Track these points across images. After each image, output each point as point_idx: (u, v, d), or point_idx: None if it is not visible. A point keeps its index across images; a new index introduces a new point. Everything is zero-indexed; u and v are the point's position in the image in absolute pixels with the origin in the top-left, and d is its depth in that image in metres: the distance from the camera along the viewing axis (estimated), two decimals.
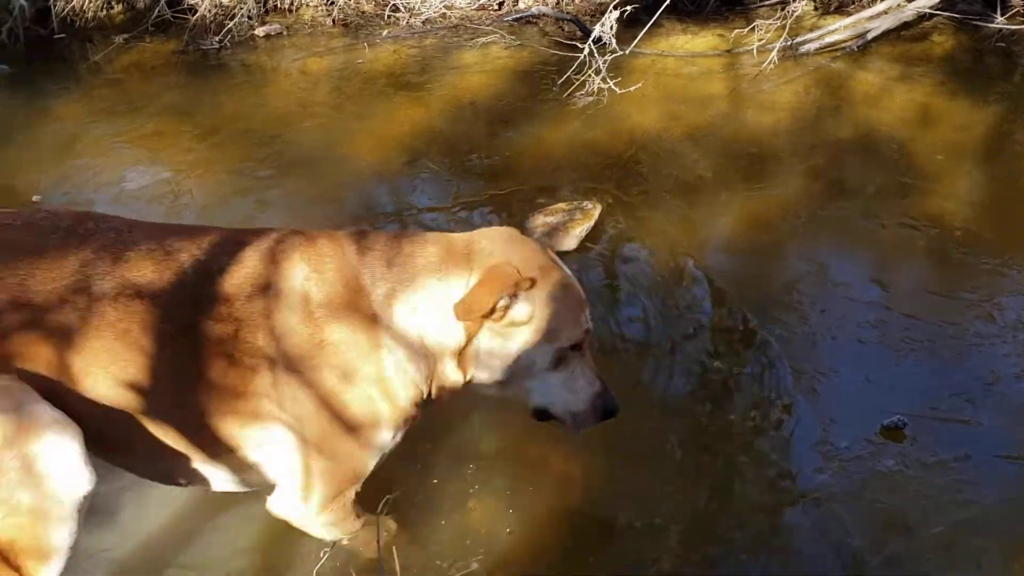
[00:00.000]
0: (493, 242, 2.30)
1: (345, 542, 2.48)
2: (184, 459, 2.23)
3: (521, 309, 2.23)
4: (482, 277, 2.20)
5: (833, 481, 2.80)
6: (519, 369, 2.31)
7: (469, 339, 2.25)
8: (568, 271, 2.36)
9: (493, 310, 2.19)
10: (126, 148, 4.46)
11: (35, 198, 4.08)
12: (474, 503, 2.71)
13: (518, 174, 4.21)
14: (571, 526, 2.68)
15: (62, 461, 1.94)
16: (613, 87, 4.90)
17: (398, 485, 2.62)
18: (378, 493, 2.44)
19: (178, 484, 2.36)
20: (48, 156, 4.42)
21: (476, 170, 4.31)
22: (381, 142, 4.56)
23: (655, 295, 3.52)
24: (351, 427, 2.23)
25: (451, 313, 2.20)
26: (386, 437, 2.28)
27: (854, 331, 3.32)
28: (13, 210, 2.26)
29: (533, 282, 2.23)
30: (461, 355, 2.28)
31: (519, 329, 2.26)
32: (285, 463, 2.28)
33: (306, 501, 2.32)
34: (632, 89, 4.97)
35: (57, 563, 2.00)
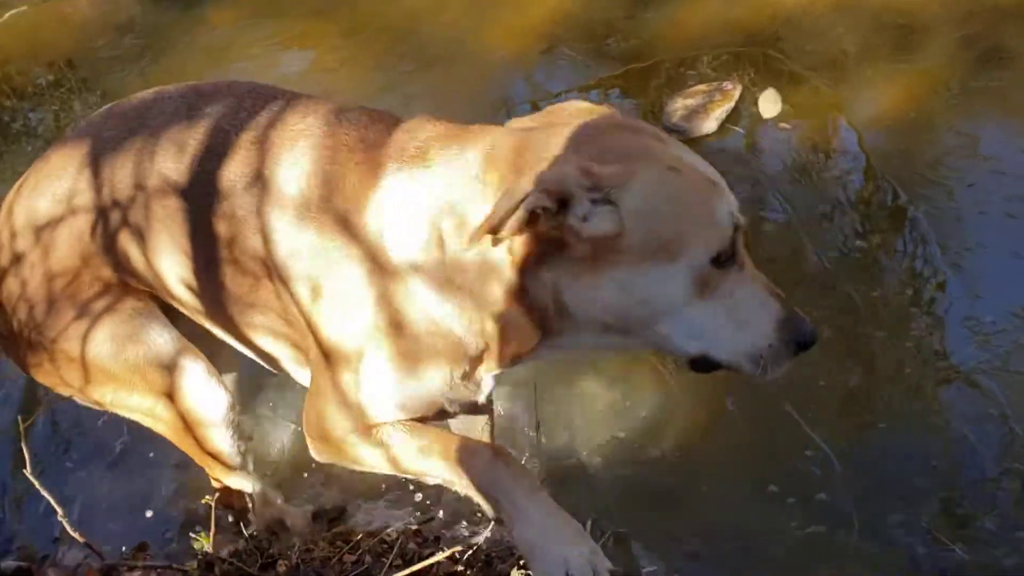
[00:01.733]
0: (549, 134, 1.59)
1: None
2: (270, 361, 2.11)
3: (599, 217, 1.50)
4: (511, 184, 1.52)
5: (977, 355, 2.82)
6: (640, 309, 1.56)
7: (520, 269, 1.55)
8: (685, 151, 1.63)
9: (509, 222, 1.46)
10: (279, 50, 4.68)
11: None
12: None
13: (657, 56, 4.19)
14: (714, 406, 2.77)
15: (195, 389, 2.10)
16: None
17: None
18: None
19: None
20: (209, 61, 4.66)
21: (613, 54, 4.31)
22: (517, 31, 4.61)
23: (798, 174, 3.53)
24: (357, 367, 1.75)
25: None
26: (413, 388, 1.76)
27: (1002, 205, 3.25)
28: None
29: (597, 178, 1.48)
30: (520, 296, 1.58)
31: (610, 249, 1.51)
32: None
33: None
34: None
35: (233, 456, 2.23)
